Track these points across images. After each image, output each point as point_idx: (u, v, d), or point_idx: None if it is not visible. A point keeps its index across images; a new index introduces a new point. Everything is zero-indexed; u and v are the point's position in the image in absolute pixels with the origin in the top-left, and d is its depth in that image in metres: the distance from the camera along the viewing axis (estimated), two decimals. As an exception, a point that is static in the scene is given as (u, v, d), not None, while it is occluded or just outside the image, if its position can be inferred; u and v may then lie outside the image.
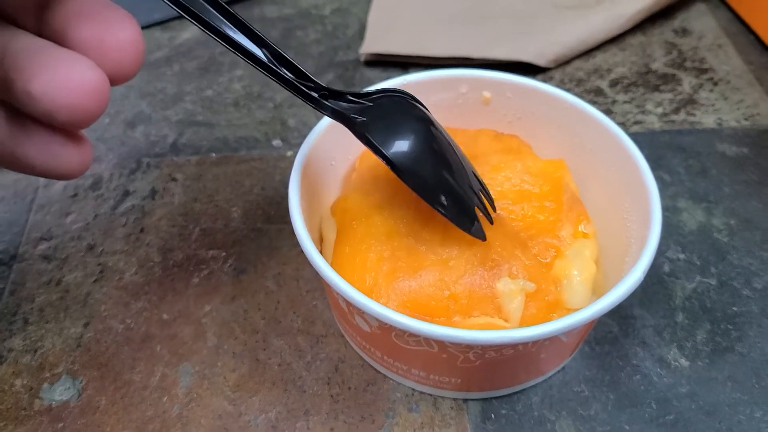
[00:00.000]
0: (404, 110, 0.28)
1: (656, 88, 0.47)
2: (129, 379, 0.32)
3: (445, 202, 0.28)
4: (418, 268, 0.29)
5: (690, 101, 0.46)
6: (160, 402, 0.32)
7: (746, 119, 0.44)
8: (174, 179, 0.42)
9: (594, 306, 0.26)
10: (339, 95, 0.28)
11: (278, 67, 0.27)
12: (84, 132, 0.25)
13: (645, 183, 0.30)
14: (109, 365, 0.33)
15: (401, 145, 0.27)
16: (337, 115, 0.28)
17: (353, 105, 0.28)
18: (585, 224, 0.32)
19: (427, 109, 0.30)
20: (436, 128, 0.29)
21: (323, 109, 0.28)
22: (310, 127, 0.33)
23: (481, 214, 0.29)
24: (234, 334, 0.34)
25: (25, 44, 0.21)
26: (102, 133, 0.45)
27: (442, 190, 0.28)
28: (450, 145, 0.29)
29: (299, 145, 0.32)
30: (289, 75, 0.27)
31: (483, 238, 0.29)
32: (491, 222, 0.30)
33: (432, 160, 0.28)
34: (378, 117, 0.28)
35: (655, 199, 0.30)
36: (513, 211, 0.32)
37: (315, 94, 0.28)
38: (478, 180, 0.31)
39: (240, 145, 0.44)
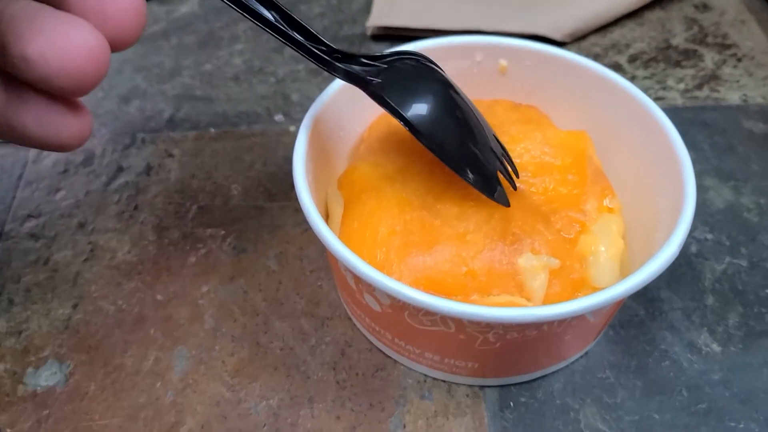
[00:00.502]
0: (421, 72, 0.27)
1: (677, 64, 0.45)
2: (120, 363, 0.30)
3: (466, 165, 0.26)
4: (432, 242, 0.27)
5: (713, 77, 0.44)
6: (153, 388, 0.29)
7: (773, 96, 0.42)
8: (170, 155, 0.40)
9: (628, 281, 0.23)
10: (352, 58, 0.27)
11: (288, 29, 0.25)
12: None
13: (676, 153, 0.28)
14: (99, 349, 0.31)
15: (420, 106, 0.25)
16: (351, 77, 0.26)
17: (367, 68, 0.27)
18: (610, 199, 0.30)
19: (443, 71, 0.28)
20: (455, 90, 0.27)
21: (336, 72, 0.26)
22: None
23: (504, 178, 0.28)
24: (233, 316, 0.32)
25: (22, 8, 0.20)
26: (95, 108, 0.43)
27: (463, 152, 0.26)
28: (470, 106, 0.28)
29: (303, 119, 0.30)
30: (299, 37, 0.26)
31: (506, 203, 0.27)
32: (514, 187, 0.28)
33: (452, 121, 0.26)
34: (394, 78, 0.26)
35: (688, 170, 0.27)
36: (533, 184, 0.30)
37: (327, 57, 0.26)
38: (500, 144, 0.29)
39: (240, 120, 0.42)
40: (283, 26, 0.25)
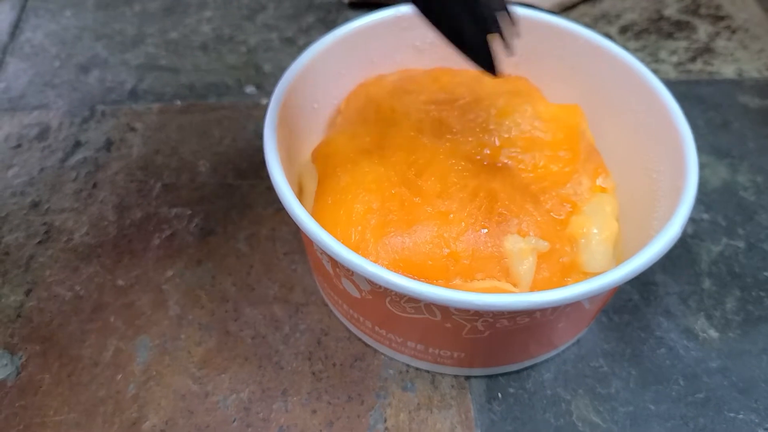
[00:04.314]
0: None
1: (670, 36, 0.43)
2: (77, 354, 0.28)
3: (446, 16, 0.21)
4: (412, 222, 0.25)
5: (707, 50, 0.42)
6: (113, 381, 0.28)
7: (768, 69, 0.41)
8: (133, 129, 0.37)
9: (629, 264, 0.22)
10: None
11: None
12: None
13: (676, 125, 0.26)
14: (54, 339, 0.29)
15: None
16: None
17: None
18: (604, 177, 0.28)
19: None
20: None
21: None
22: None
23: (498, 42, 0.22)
24: (200, 302, 0.30)
25: None
26: (51, 77, 0.40)
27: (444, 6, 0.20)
28: None
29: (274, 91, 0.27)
30: None
31: (493, 72, 0.22)
32: (510, 50, 0.22)
33: None
34: None
35: (689, 144, 0.26)
36: (522, 160, 0.28)
37: None
38: None
39: (208, 91, 0.40)
40: None
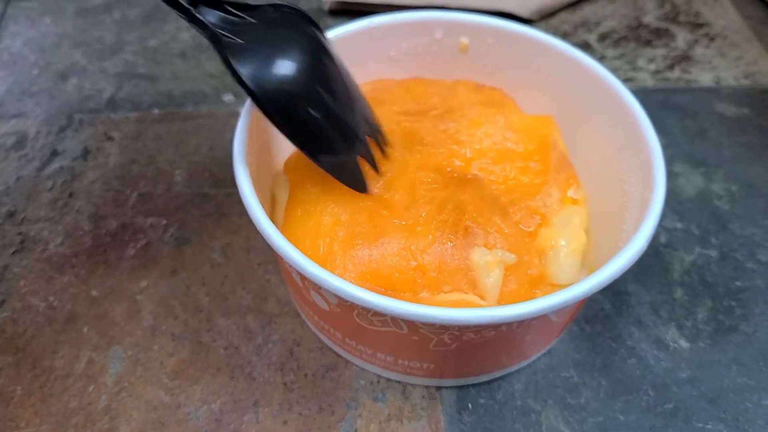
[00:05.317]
0: (292, 33, 0.23)
1: (648, 43, 0.43)
2: (50, 365, 0.28)
3: (321, 149, 0.24)
4: (380, 234, 0.25)
5: (685, 58, 0.42)
6: (86, 392, 0.27)
7: (746, 77, 0.41)
8: (110, 138, 0.37)
9: (592, 279, 0.22)
10: (216, 4, 0.22)
11: None
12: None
13: (645, 139, 0.26)
14: (27, 349, 0.29)
15: (274, 79, 0.22)
16: (206, 31, 0.22)
17: (231, 19, 0.22)
18: (575, 189, 0.28)
19: (322, 32, 0.25)
20: (328, 58, 0.24)
21: (191, 21, 0.22)
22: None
23: (368, 164, 0.26)
24: (173, 312, 0.30)
25: None
26: (29, 85, 0.40)
27: (318, 135, 0.23)
28: (341, 80, 0.24)
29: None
30: None
31: (363, 189, 0.25)
32: (377, 171, 0.26)
33: (313, 99, 0.23)
34: (257, 40, 0.22)
35: (657, 157, 0.26)
36: (493, 171, 0.28)
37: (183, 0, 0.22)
38: (370, 124, 0.26)
39: (186, 100, 0.40)
40: None
